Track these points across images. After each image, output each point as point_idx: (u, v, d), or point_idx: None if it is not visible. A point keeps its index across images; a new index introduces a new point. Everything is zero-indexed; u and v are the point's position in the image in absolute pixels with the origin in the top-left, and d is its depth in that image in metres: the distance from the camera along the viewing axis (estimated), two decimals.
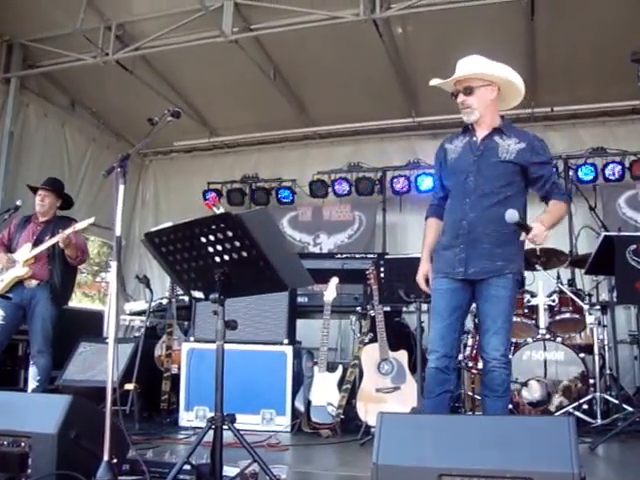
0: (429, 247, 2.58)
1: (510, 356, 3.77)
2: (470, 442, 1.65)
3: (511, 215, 2.20)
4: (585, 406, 3.64)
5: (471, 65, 2.42)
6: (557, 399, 3.70)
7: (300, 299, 4.50)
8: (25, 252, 3.84)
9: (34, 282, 3.83)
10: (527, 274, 4.38)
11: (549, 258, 4.22)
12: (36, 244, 3.84)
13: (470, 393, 3.89)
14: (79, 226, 3.76)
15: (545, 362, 3.79)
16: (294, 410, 3.77)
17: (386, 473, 1.65)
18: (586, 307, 3.99)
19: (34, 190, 4.04)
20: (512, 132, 2.44)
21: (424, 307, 3.62)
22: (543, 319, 3.98)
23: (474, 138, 2.47)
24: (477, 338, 3.96)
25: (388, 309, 3.95)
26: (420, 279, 2.56)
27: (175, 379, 4.04)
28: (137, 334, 4.86)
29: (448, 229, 2.48)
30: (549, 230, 2.28)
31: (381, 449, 1.68)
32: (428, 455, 1.66)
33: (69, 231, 3.70)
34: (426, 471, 1.62)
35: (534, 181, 2.43)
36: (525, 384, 3.72)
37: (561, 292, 4.12)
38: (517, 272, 2.40)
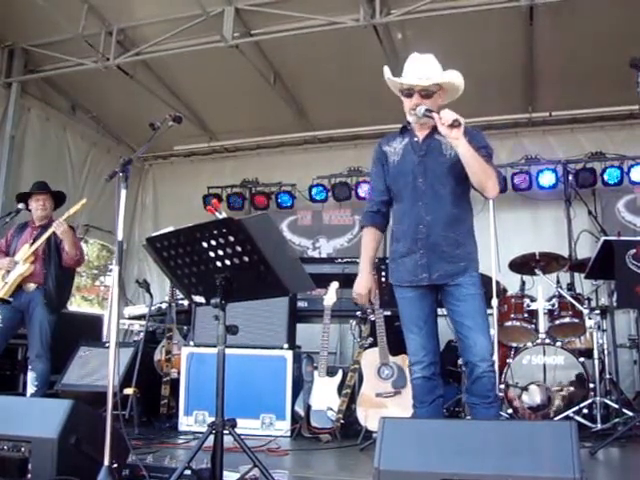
0: (370, 258, 2.51)
1: (509, 360, 3.83)
2: (472, 447, 1.65)
3: (419, 109, 2.29)
4: (585, 410, 3.64)
5: (434, 70, 2.37)
6: (557, 403, 3.70)
7: (300, 303, 4.49)
8: (24, 252, 3.85)
9: (32, 286, 3.84)
10: (527, 278, 4.40)
11: (548, 262, 4.23)
12: (34, 244, 3.85)
13: None
14: (72, 210, 3.79)
15: (545, 366, 3.79)
16: (294, 415, 3.76)
17: (388, 478, 1.65)
18: (586, 311, 4.00)
19: (25, 198, 4.04)
20: None
21: None
22: (543, 323, 3.98)
23: (415, 138, 2.43)
24: None
25: (388, 313, 3.95)
26: (362, 291, 2.46)
27: (174, 383, 4.03)
28: (136, 338, 4.86)
29: (403, 235, 2.41)
30: (463, 150, 2.20)
31: (383, 454, 1.68)
32: (430, 460, 1.66)
33: (64, 217, 3.73)
34: (428, 476, 1.62)
35: None
36: (525, 388, 3.72)
37: (561, 296, 4.12)
38: (477, 270, 2.39)
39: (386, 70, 2.44)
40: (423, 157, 2.38)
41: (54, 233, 3.80)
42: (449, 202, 2.35)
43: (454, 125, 2.18)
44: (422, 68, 2.37)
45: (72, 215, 3.85)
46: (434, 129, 2.37)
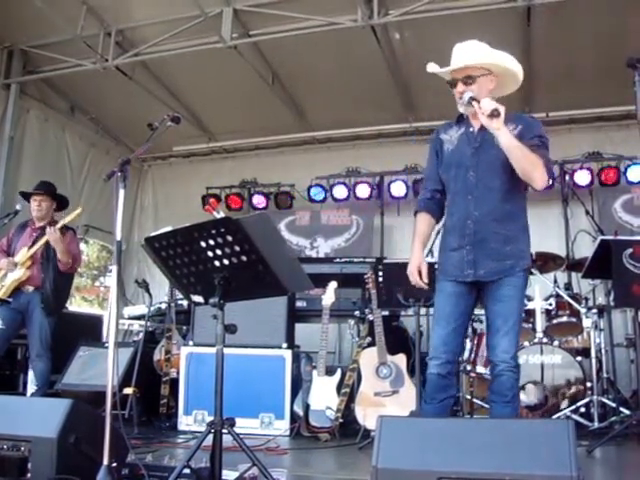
0: (421, 237, 2.45)
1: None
2: (469, 445, 1.66)
3: (465, 96, 2.22)
4: (582, 409, 3.66)
5: (472, 53, 2.29)
6: (554, 402, 3.72)
7: (299, 303, 4.51)
8: (23, 255, 3.85)
9: (30, 288, 3.84)
10: None
11: (546, 262, 4.25)
12: (32, 247, 3.85)
13: (468, 397, 3.90)
14: (68, 218, 3.79)
15: (542, 366, 3.81)
16: (293, 414, 3.77)
17: (386, 476, 1.66)
18: (583, 311, 4.02)
19: (27, 196, 4.05)
20: (508, 119, 2.26)
21: (422, 311, 3.64)
22: (540, 323, 3.99)
23: (470, 129, 2.36)
24: (475, 342, 3.99)
25: (386, 313, 3.96)
26: (413, 270, 2.38)
27: (174, 383, 4.04)
28: (136, 338, 4.87)
29: (453, 229, 2.37)
30: (503, 139, 2.14)
31: (381, 452, 1.69)
32: (428, 458, 1.66)
33: (58, 225, 3.73)
34: (426, 474, 1.63)
35: None
36: (522, 387, 3.74)
37: (558, 296, 4.15)
38: (527, 268, 2.32)
39: (429, 65, 2.37)
40: (477, 149, 2.30)
41: None
42: (500, 197, 2.27)
43: (493, 115, 2.12)
44: (461, 54, 2.31)
45: (67, 223, 3.85)
46: None
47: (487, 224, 2.27)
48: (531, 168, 2.19)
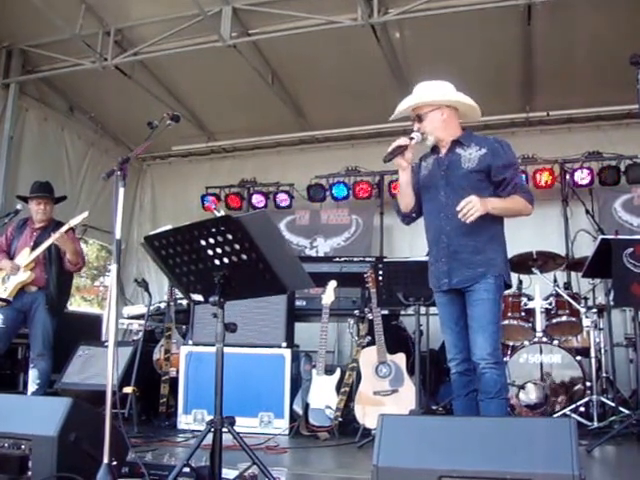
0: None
1: (506, 359, 3.84)
2: (470, 444, 1.66)
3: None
4: (582, 409, 3.66)
5: (418, 94, 2.58)
6: (554, 402, 3.72)
7: (298, 302, 4.51)
8: (25, 257, 3.84)
9: (34, 288, 3.83)
10: (524, 277, 4.41)
11: (545, 261, 4.24)
12: (34, 248, 3.84)
13: None
14: (74, 222, 3.78)
15: (542, 365, 3.81)
16: (292, 413, 3.77)
17: (386, 475, 1.66)
18: (583, 310, 4.02)
19: (25, 199, 4.03)
20: (472, 141, 2.54)
21: (422, 310, 3.64)
22: (540, 322, 4.00)
23: (440, 155, 2.62)
24: None
25: (386, 312, 3.95)
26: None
27: (174, 382, 4.04)
28: (135, 338, 4.86)
29: (430, 244, 2.64)
30: (494, 212, 2.41)
31: (381, 451, 1.69)
32: (428, 457, 1.66)
33: (64, 228, 3.71)
34: (426, 473, 1.62)
35: (498, 184, 2.49)
36: (522, 387, 3.74)
37: (558, 295, 4.14)
38: (499, 275, 2.48)
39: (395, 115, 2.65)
40: (445, 171, 2.55)
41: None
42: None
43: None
44: (411, 97, 2.58)
45: (72, 227, 3.84)
46: (453, 143, 2.55)
47: (457, 238, 2.50)
48: (518, 213, 2.51)
